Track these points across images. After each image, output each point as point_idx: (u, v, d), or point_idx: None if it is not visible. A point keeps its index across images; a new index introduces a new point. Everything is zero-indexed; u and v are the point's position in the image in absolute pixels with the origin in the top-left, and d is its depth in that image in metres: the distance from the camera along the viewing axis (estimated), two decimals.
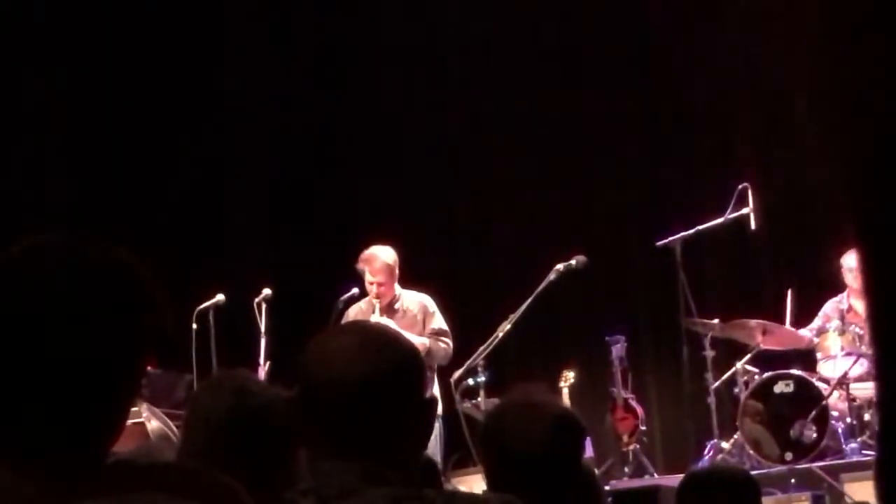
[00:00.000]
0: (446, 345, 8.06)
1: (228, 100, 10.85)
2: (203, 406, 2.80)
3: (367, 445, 2.26)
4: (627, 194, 10.22)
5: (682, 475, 4.43)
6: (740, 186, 8.44)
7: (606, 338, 9.23)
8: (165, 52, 10.26)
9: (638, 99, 10.15)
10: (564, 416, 3.00)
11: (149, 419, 6.62)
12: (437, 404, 2.68)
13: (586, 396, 9.29)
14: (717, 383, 8.35)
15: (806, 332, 8.44)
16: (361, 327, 2.78)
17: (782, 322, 8.45)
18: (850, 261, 8.15)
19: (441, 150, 10.57)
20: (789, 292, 8.54)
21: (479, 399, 8.37)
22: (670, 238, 8.45)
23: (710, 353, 8.36)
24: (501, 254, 10.28)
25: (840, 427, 8.01)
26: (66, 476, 1.62)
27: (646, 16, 10.20)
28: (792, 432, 7.97)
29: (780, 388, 8.15)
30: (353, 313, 8.08)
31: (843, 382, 7.97)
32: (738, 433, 8.19)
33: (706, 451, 8.37)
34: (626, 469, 8.84)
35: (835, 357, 8.13)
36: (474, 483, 7.70)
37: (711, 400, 8.31)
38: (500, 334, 8.18)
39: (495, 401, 6.57)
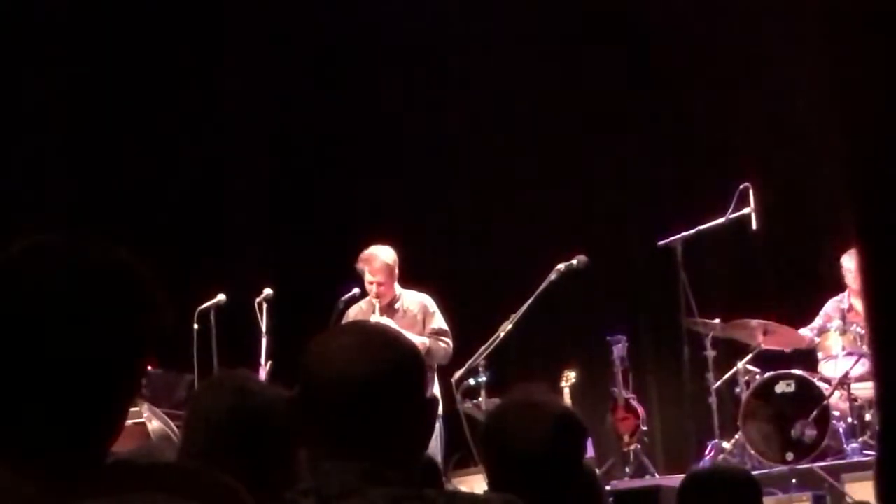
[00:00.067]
0: (446, 344, 8.06)
1: (228, 100, 10.84)
2: (204, 406, 2.80)
3: (368, 445, 2.26)
4: (628, 194, 10.22)
5: (683, 475, 4.43)
6: (741, 186, 8.42)
7: (607, 338, 9.23)
8: (165, 52, 10.25)
9: (638, 99, 10.14)
10: (565, 416, 3.00)
11: (149, 419, 6.62)
12: (437, 404, 2.67)
13: (587, 396, 9.29)
14: (718, 383, 8.35)
15: (807, 332, 8.44)
16: (362, 327, 2.78)
17: (784, 321, 8.45)
18: (849, 262, 8.15)
19: (441, 150, 10.55)
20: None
21: (480, 399, 8.36)
22: (671, 238, 8.44)
23: (711, 353, 8.36)
24: (501, 254, 10.25)
25: (841, 427, 8.00)
26: (66, 476, 1.62)
27: (646, 16, 10.18)
28: (793, 432, 7.96)
29: (781, 388, 8.15)
30: (354, 313, 8.08)
31: (844, 382, 7.97)
32: (740, 433, 8.19)
33: (707, 451, 8.36)
34: (627, 469, 8.84)
35: (836, 357, 8.13)
36: (475, 483, 7.70)
37: (712, 400, 8.30)
38: (502, 334, 8.17)
39: (496, 401, 6.55)
